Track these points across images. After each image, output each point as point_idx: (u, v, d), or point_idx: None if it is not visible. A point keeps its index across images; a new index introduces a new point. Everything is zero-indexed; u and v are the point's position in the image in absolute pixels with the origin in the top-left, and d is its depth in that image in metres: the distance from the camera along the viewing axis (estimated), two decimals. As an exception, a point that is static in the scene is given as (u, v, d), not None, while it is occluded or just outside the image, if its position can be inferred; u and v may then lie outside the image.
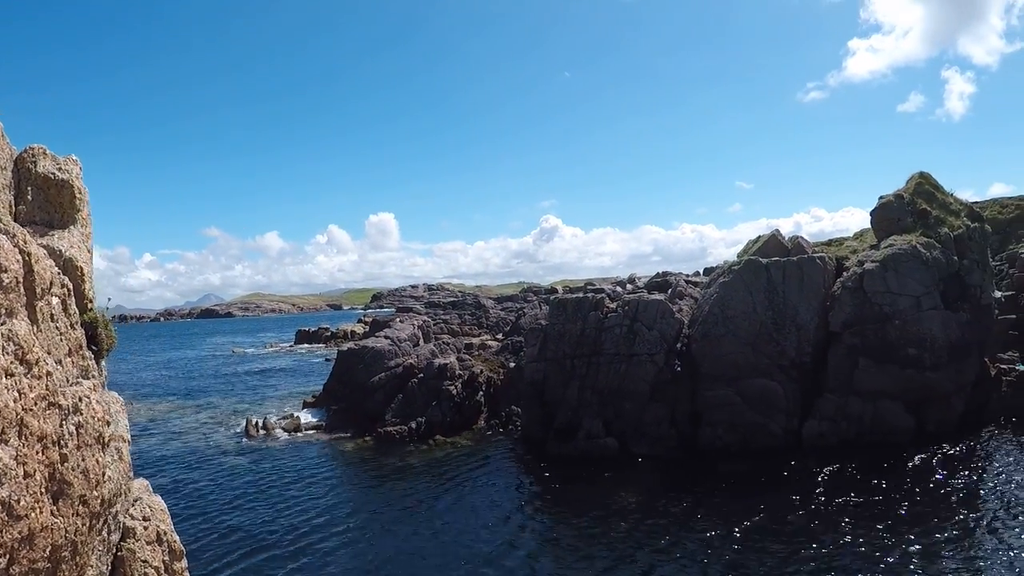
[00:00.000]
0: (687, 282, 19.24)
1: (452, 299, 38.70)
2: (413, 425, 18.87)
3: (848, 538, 10.88)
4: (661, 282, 19.50)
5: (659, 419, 15.92)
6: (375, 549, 11.45)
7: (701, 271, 20.89)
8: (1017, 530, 10.82)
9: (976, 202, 27.41)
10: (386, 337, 23.71)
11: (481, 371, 20.71)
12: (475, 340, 26.94)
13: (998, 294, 20.25)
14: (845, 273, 16.80)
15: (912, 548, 10.35)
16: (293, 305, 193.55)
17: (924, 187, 19.28)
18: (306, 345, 57.62)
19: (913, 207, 18.60)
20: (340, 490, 15.08)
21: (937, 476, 13.74)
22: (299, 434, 20.74)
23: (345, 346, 26.58)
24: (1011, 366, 18.48)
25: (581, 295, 17.59)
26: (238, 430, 21.56)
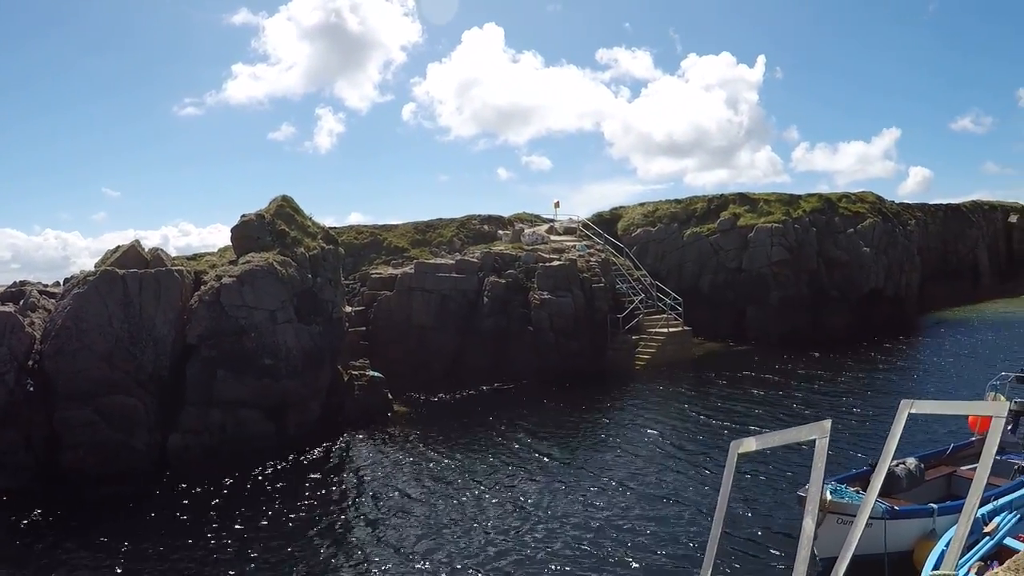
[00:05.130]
0: (42, 293, 21.54)
1: None
2: None
3: (221, 546, 14.36)
4: (16, 292, 21.38)
5: (14, 446, 18.05)
6: None
7: (61, 281, 23.58)
8: (382, 510, 15.97)
9: (336, 227, 36.37)
10: None
11: None
12: None
13: (349, 309, 28.10)
14: (203, 287, 21.73)
15: (274, 545, 14.21)
16: None
17: (285, 210, 25.66)
18: None
19: (273, 227, 24.69)
20: None
21: (301, 477, 18.64)
22: None
23: None
24: (363, 372, 25.88)
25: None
26: None
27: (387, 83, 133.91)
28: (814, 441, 3.56)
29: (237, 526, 15.48)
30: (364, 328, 30.37)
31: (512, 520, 15.14)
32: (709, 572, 3.99)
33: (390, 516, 15.85)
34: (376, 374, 25.65)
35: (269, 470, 19.28)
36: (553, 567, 12.88)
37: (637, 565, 12.88)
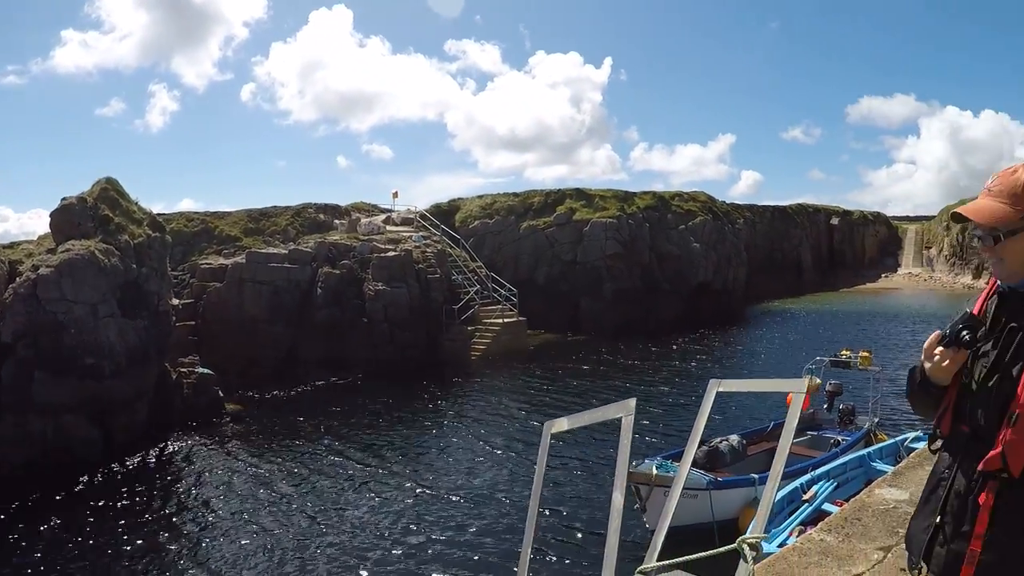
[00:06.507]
0: None
1: None
2: None
3: (42, 570, 13.95)
4: None
5: None
6: None
7: None
8: (219, 518, 15.94)
9: (166, 214, 35.98)
10: None
11: None
12: None
13: (177, 301, 28.03)
14: (19, 279, 21.34)
15: (99, 565, 14.07)
16: None
17: (110, 193, 25.32)
18: None
19: (96, 212, 24.35)
20: None
21: (129, 487, 18.20)
22: None
23: None
24: (192, 369, 25.93)
25: None
26: None
27: (227, 60, 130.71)
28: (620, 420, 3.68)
29: (61, 545, 15.14)
30: (193, 322, 30.35)
31: (338, 527, 15.42)
32: (529, 552, 4.07)
33: (218, 528, 15.78)
34: (206, 371, 25.76)
35: (95, 481, 18.85)
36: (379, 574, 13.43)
37: (460, 563, 13.58)
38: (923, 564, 2.26)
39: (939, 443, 2.34)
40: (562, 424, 4.09)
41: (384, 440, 21.82)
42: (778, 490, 12.61)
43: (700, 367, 31.88)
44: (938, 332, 2.22)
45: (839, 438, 16.88)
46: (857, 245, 78.01)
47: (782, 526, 11.81)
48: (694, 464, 13.88)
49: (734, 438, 15.58)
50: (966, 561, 2.10)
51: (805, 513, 12.15)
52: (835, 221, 75.72)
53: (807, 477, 13.39)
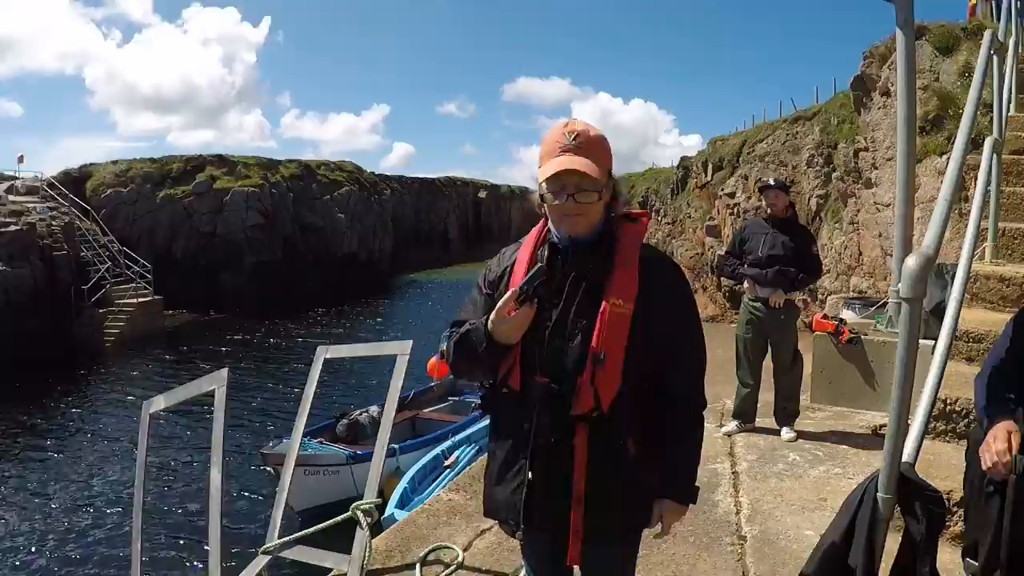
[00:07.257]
0: None
1: None
2: None
3: None
4: None
5: None
6: None
7: None
8: None
9: None
10: None
11: None
12: None
13: None
14: None
15: None
16: None
17: None
18: None
19: None
20: None
21: None
22: None
23: None
24: None
25: None
26: None
27: None
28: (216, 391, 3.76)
29: None
30: None
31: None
32: (139, 547, 4.06)
33: None
34: None
35: None
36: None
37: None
38: (523, 526, 2.27)
39: (499, 400, 2.39)
40: (160, 402, 4.14)
41: (1, 450, 19.96)
42: (421, 457, 14.05)
43: (339, 340, 32.54)
44: (514, 291, 2.18)
45: (480, 402, 18.43)
46: (504, 218, 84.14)
47: (425, 493, 11.97)
48: (335, 439, 14.54)
49: (374, 409, 15.21)
50: (574, 506, 2.16)
51: (448, 479, 12.11)
52: (483, 194, 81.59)
53: (449, 443, 13.71)
